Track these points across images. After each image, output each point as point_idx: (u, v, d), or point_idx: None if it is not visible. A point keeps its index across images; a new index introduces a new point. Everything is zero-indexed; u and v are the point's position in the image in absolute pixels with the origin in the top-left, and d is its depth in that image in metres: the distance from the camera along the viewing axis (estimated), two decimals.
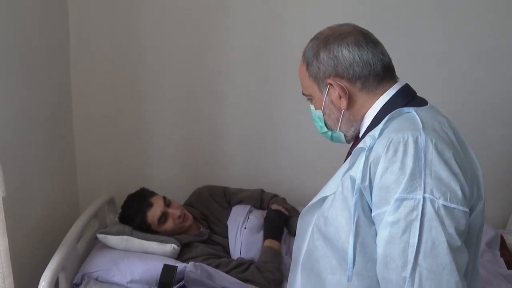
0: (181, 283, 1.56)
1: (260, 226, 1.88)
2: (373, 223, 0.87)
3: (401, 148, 0.83)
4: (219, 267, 1.65)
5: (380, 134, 0.89)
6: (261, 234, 1.85)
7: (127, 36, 2.06)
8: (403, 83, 1.00)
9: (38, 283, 1.39)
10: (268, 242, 1.80)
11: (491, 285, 1.72)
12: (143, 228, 1.78)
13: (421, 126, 0.86)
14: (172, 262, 1.62)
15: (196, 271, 1.55)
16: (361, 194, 0.87)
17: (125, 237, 1.70)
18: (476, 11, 2.05)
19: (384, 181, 0.84)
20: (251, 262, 1.73)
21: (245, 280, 1.62)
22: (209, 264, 1.64)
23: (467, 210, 0.82)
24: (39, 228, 1.75)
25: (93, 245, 1.79)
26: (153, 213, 1.79)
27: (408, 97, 0.97)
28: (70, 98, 2.07)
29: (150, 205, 1.80)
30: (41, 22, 1.75)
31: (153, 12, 2.03)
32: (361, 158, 0.88)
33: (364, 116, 1.00)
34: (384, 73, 0.98)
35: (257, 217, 1.91)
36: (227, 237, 1.87)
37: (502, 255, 1.97)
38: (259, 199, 2.07)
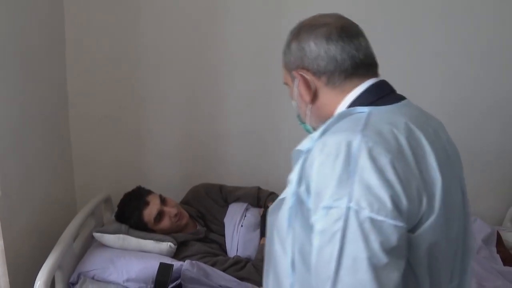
0: (178, 282, 1.56)
1: (257, 224, 1.88)
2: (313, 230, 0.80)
3: (333, 152, 0.76)
4: (215, 265, 1.65)
5: (320, 136, 0.83)
6: (258, 232, 1.85)
7: (124, 35, 2.05)
8: (378, 79, 0.93)
9: (34, 282, 1.38)
10: (264, 240, 1.80)
11: (487, 281, 1.72)
12: (139, 227, 1.78)
13: (360, 128, 0.79)
14: (168, 260, 1.62)
15: (192, 269, 1.55)
16: (299, 200, 0.82)
17: (121, 235, 1.70)
18: (476, 9, 2.05)
19: (316, 187, 0.77)
20: (247, 260, 1.73)
21: (242, 278, 1.62)
22: (205, 262, 1.64)
23: (400, 224, 0.72)
24: (35, 226, 1.75)
25: (89, 244, 1.79)
26: (150, 212, 1.78)
27: (377, 95, 0.89)
28: (66, 98, 2.07)
29: (147, 203, 1.80)
30: (37, 21, 1.75)
31: (152, 10, 2.03)
32: (299, 161, 0.83)
33: (333, 114, 0.92)
34: (354, 69, 0.90)
35: (254, 215, 1.91)
36: (223, 235, 1.87)
37: (498, 252, 1.98)
38: (256, 197, 2.06)
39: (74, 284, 1.58)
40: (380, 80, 0.93)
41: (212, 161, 2.26)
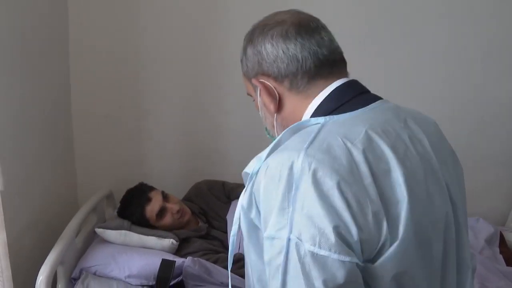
0: (179, 278, 1.56)
1: None
2: None
3: (276, 175, 0.68)
4: (217, 262, 1.65)
5: (268, 155, 0.74)
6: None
7: (126, 34, 2.04)
8: (345, 81, 0.82)
9: (36, 277, 1.38)
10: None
11: (490, 282, 1.72)
12: (141, 223, 1.78)
13: (306, 145, 0.69)
14: (170, 257, 1.62)
15: (194, 266, 1.55)
16: (253, 226, 0.74)
17: (123, 231, 1.70)
18: (477, 9, 2.03)
19: (263, 213, 0.70)
20: None
21: (244, 276, 1.61)
22: (207, 259, 1.64)
23: (347, 258, 0.63)
24: (38, 222, 1.75)
25: (91, 240, 1.79)
26: (152, 208, 1.78)
27: (339, 101, 0.79)
28: (69, 94, 2.07)
29: (149, 199, 1.80)
30: (40, 19, 1.74)
31: (153, 10, 2.02)
32: (248, 185, 0.75)
33: None
34: (318, 68, 0.80)
35: None
36: (226, 232, 1.87)
37: (501, 252, 1.97)
38: None
39: (76, 279, 1.59)
40: (348, 81, 0.83)
41: (214, 158, 2.26)
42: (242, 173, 0.80)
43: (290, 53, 0.80)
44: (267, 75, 0.83)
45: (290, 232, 0.65)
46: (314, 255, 0.63)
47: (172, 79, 2.13)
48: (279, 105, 0.84)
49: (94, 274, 1.59)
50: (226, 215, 1.92)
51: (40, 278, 1.38)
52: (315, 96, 0.81)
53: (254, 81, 0.85)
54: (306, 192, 0.65)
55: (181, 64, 2.10)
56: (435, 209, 0.75)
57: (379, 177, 0.69)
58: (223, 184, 2.09)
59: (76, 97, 2.09)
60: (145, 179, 1.96)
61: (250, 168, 0.78)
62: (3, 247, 1.34)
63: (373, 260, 0.68)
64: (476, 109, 2.17)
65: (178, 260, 1.57)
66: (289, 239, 0.65)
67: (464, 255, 0.83)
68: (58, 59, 1.95)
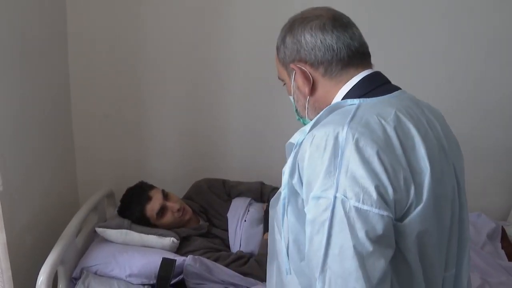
0: (180, 277, 1.56)
1: (260, 219, 1.88)
2: None
3: (322, 144, 0.78)
4: (218, 261, 1.65)
5: (311, 129, 0.85)
6: (261, 227, 1.84)
7: (126, 31, 2.04)
8: (371, 71, 0.94)
9: (37, 277, 1.38)
10: (268, 235, 1.79)
11: (492, 277, 1.71)
12: (142, 222, 1.77)
13: (348, 120, 0.80)
14: (171, 255, 1.62)
15: (195, 264, 1.55)
16: (293, 191, 0.85)
17: (124, 230, 1.70)
18: (478, 7, 2.03)
19: (307, 178, 0.80)
20: (250, 256, 1.73)
21: (245, 274, 1.61)
22: (208, 258, 1.64)
23: (385, 213, 0.74)
24: (38, 221, 1.75)
25: (92, 239, 1.79)
26: (152, 207, 1.78)
27: (369, 87, 0.91)
28: (68, 92, 2.07)
29: (149, 198, 1.80)
30: (39, 17, 1.74)
31: (153, 6, 2.01)
32: (292, 154, 0.86)
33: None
34: (350, 58, 0.92)
35: (257, 210, 1.91)
36: (226, 230, 1.86)
37: (503, 247, 1.97)
38: (259, 192, 2.06)
39: (76, 279, 1.59)
40: (374, 72, 0.94)
41: (214, 156, 2.26)
42: (286, 144, 0.90)
43: (327, 43, 0.91)
44: (304, 61, 0.93)
45: (336, 191, 0.75)
46: (358, 210, 0.74)
47: (173, 78, 2.12)
48: (312, 89, 0.95)
49: (95, 273, 1.59)
50: (226, 213, 1.92)
51: (41, 278, 1.38)
52: (346, 83, 0.92)
53: (292, 65, 0.95)
54: (350, 157, 0.76)
55: (182, 62, 2.10)
56: (446, 183, 0.87)
57: (407, 150, 0.81)
58: (223, 182, 2.08)
59: (76, 97, 2.09)
60: (146, 178, 1.96)
61: (295, 139, 0.87)
62: (3, 247, 1.34)
63: (401, 219, 0.78)
64: (477, 104, 2.17)
65: (179, 259, 1.57)
66: (335, 197, 0.75)
67: (464, 227, 0.95)
68: (57, 59, 1.95)
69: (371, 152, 0.76)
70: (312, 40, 0.91)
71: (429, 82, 2.10)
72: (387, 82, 0.95)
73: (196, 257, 1.58)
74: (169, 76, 2.12)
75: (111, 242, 1.71)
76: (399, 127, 0.82)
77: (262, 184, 2.10)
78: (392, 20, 2.03)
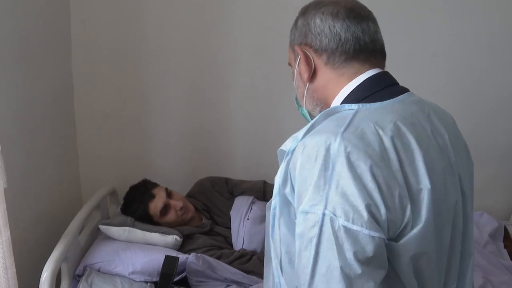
0: (183, 274, 1.56)
1: (263, 217, 1.88)
2: None
3: (313, 155, 0.73)
4: (220, 258, 1.65)
5: (304, 136, 0.79)
6: (263, 225, 1.85)
7: (129, 30, 2.04)
8: (378, 71, 0.88)
9: (41, 274, 1.39)
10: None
11: (494, 276, 1.71)
12: (145, 220, 1.78)
13: (342, 130, 0.74)
14: (174, 253, 1.62)
15: (198, 262, 1.55)
16: (285, 200, 0.80)
17: (127, 228, 1.71)
18: (480, 4, 2.02)
19: (298, 189, 0.75)
20: (253, 253, 1.73)
21: (247, 271, 1.62)
22: (211, 256, 1.64)
23: (376, 234, 0.69)
24: (41, 219, 1.76)
25: (95, 236, 1.80)
26: (155, 205, 1.79)
27: (374, 88, 0.85)
28: (72, 90, 2.07)
29: (152, 196, 1.80)
30: (43, 17, 1.75)
31: (156, 5, 2.02)
32: (284, 162, 0.81)
33: (331, 100, 0.90)
34: (356, 52, 0.86)
35: (260, 208, 1.91)
36: (229, 228, 1.87)
37: (505, 247, 1.97)
38: (261, 191, 2.06)
39: (80, 276, 1.59)
40: (381, 72, 0.88)
41: (217, 154, 2.26)
42: (278, 150, 0.85)
43: (335, 31, 0.86)
44: (309, 45, 0.89)
45: (325, 207, 0.70)
46: (347, 230, 0.69)
47: (176, 76, 2.13)
48: (312, 76, 0.90)
49: (98, 270, 1.59)
50: (229, 211, 1.92)
51: (45, 275, 1.39)
52: (348, 77, 0.87)
53: (296, 47, 0.91)
54: (341, 172, 0.71)
55: (185, 61, 2.10)
56: (448, 198, 0.81)
57: (405, 164, 0.75)
58: (226, 180, 2.09)
59: (79, 95, 2.09)
60: (149, 175, 1.96)
61: (286, 146, 0.83)
62: (8, 244, 1.34)
63: (396, 239, 0.74)
64: (480, 104, 2.16)
65: (182, 257, 1.58)
66: (323, 214, 0.70)
67: (468, 242, 0.90)
68: (60, 59, 1.96)
69: (364, 168, 0.71)
70: (321, 24, 0.87)
71: (429, 82, 2.09)
72: (394, 83, 0.89)
73: (199, 254, 1.59)
74: (171, 75, 2.12)
75: (114, 239, 1.71)
76: (398, 139, 0.76)
77: (265, 183, 2.10)
78: (391, 19, 2.02)
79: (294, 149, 0.79)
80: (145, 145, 2.23)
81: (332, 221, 0.70)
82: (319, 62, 0.89)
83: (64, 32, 1.97)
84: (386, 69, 0.92)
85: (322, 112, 0.83)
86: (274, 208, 0.82)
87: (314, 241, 0.71)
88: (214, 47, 2.08)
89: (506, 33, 2.06)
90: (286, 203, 0.80)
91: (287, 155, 0.80)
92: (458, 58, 2.09)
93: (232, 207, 1.93)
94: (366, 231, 0.69)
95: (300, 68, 0.91)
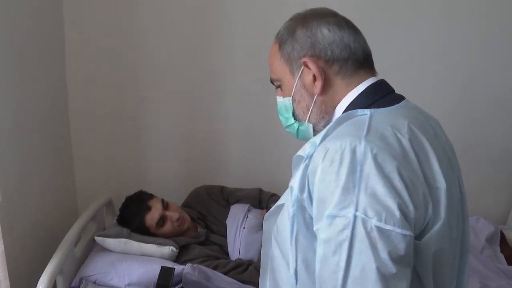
0: (179, 286, 1.56)
1: (259, 225, 1.87)
2: (316, 238, 0.78)
3: (337, 158, 0.73)
4: (217, 269, 1.64)
5: (321, 141, 0.79)
6: (260, 234, 1.84)
7: (123, 34, 2.05)
8: (378, 78, 0.90)
9: (36, 286, 1.38)
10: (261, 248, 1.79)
11: (491, 280, 1.71)
12: (141, 231, 1.77)
13: (364, 133, 0.76)
14: (170, 264, 1.62)
15: (193, 272, 1.54)
16: (301, 206, 0.79)
17: (123, 239, 1.70)
18: (475, 5, 2.04)
19: (320, 194, 0.75)
20: (249, 263, 1.72)
21: (244, 281, 1.61)
22: (207, 266, 1.63)
23: (407, 232, 0.71)
24: (36, 231, 1.75)
25: (91, 248, 1.79)
26: (152, 217, 1.78)
27: (377, 95, 0.87)
28: (66, 100, 2.07)
29: (149, 208, 1.79)
30: (36, 20, 1.75)
31: (151, 9, 2.02)
32: (301, 167, 0.80)
33: (334, 110, 0.90)
34: (364, 60, 0.89)
35: (256, 217, 1.91)
36: (225, 236, 1.86)
37: (502, 251, 1.97)
38: (257, 199, 2.06)
39: None
40: (380, 80, 0.90)
41: (213, 163, 2.26)
42: (294, 156, 0.85)
43: (345, 41, 0.87)
44: (317, 57, 0.88)
45: (356, 209, 0.71)
46: (380, 230, 0.70)
47: (171, 85, 2.13)
48: (322, 87, 0.89)
49: (94, 282, 1.58)
50: (225, 219, 1.92)
51: (40, 287, 1.37)
52: (355, 86, 0.88)
53: (306, 59, 0.88)
54: (369, 173, 0.72)
55: (180, 69, 2.11)
56: (454, 196, 0.84)
57: (423, 164, 0.78)
58: (222, 188, 2.09)
59: (74, 106, 2.10)
60: (144, 185, 1.96)
61: (304, 151, 0.82)
62: (1, 256, 1.33)
63: (419, 237, 0.75)
64: (475, 108, 2.17)
65: (178, 267, 1.57)
66: (355, 216, 0.71)
67: (466, 240, 0.93)
68: (55, 67, 1.96)
69: (391, 168, 0.73)
70: (329, 35, 0.87)
71: (425, 84, 2.10)
72: (392, 91, 0.91)
73: (195, 265, 1.58)
74: (168, 82, 2.13)
75: (110, 251, 1.70)
76: (413, 140, 0.79)
77: (260, 190, 2.10)
78: (387, 21, 2.04)
79: (312, 154, 0.79)
80: (142, 155, 2.23)
81: (364, 223, 0.70)
82: (329, 72, 0.88)
83: (58, 36, 1.96)
84: (381, 72, 0.94)
85: (336, 119, 0.84)
86: (293, 216, 0.80)
87: (346, 245, 0.71)
88: (210, 55, 2.09)
89: (502, 36, 2.08)
90: (301, 210, 0.80)
91: (305, 160, 0.80)
92: (453, 60, 2.10)
93: (228, 216, 1.93)
94: (399, 230, 0.70)
95: (306, 81, 0.90)
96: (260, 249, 1.76)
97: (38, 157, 1.78)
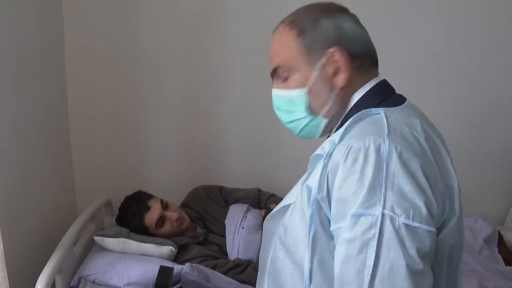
0: (178, 285, 1.56)
1: (258, 225, 1.88)
2: (332, 238, 0.78)
3: (361, 157, 0.73)
4: (215, 268, 1.65)
5: (341, 139, 0.79)
6: (259, 234, 1.84)
7: (123, 36, 2.05)
8: (381, 79, 0.90)
9: (35, 286, 1.38)
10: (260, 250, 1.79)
11: (489, 281, 1.72)
12: (140, 231, 1.77)
13: (386, 132, 0.76)
14: (168, 264, 1.62)
15: (192, 272, 1.54)
16: (318, 206, 0.78)
17: (122, 239, 1.70)
18: (475, 7, 2.05)
19: (342, 193, 0.74)
20: (248, 263, 1.73)
21: (243, 282, 1.61)
22: (205, 266, 1.64)
23: (432, 229, 0.72)
24: (36, 231, 1.75)
25: (90, 248, 1.79)
26: (151, 217, 1.78)
27: (382, 95, 0.86)
28: (66, 101, 2.07)
29: (148, 208, 1.80)
30: (36, 23, 1.75)
31: (150, 11, 2.03)
32: (319, 166, 0.79)
33: (345, 105, 0.89)
34: (375, 59, 0.91)
35: (255, 217, 1.91)
36: (223, 236, 1.87)
37: (500, 252, 1.97)
38: (256, 199, 2.06)
39: None
40: (383, 80, 0.90)
41: (212, 163, 2.26)
42: (312, 156, 0.84)
43: (366, 38, 0.89)
44: (343, 48, 0.85)
45: (383, 207, 0.71)
46: (407, 227, 0.70)
47: (171, 86, 2.13)
48: (346, 81, 0.87)
49: (93, 282, 1.59)
50: (224, 219, 1.92)
51: (38, 287, 1.37)
52: (365, 83, 0.88)
53: (333, 49, 0.85)
54: (395, 171, 0.72)
55: (180, 71, 2.11)
56: (456, 194, 0.85)
57: (438, 162, 0.80)
58: (220, 188, 2.09)
59: (73, 106, 2.10)
60: (144, 185, 1.96)
61: (324, 150, 0.81)
62: (1, 256, 1.34)
63: (437, 233, 0.75)
64: (474, 109, 2.18)
65: (177, 267, 1.57)
66: (383, 214, 0.71)
67: (462, 238, 0.92)
68: (54, 68, 1.96)
69: (415, 166, 0.73)
70: (353, 29, 0.87)
71: (425, 86, 2.11)
72: (394, 91, 0.91)
73: (194, 265, 1.58)
74: (167, 83, 2.13)
75: (109, 250, 1.71)
76: (428, 139, 0.80)
77: (259, 191, 2.10)
78: (386, 21, 2.04)
79: (332, 153, 0.78)
80: (141, 155, 2.23)
81: (392, 220, 0.70)
82: (351, 66, 0.86)
83: (58, 39, 1.97)
84: (383, 71, 0.93)
85: (353, 117, 0.82)
86: (312, 216, 0.79)
87: (373, 243, 0.71)
88: (210, 56, 2.09)
89: (502, 37, 2.08)
90: (318, 210, 0.79)
91: (324, 159, 0.79)
92: (454, 63, 2.11)
93: (227, 216, 1.93)
94: (425, 227, 0.71)
95: (328, 71, 0.86)
96: (259, 250, 1.77)
97: (37, 157, 1.78)
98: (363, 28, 0.90)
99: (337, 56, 0.85)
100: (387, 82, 0.91)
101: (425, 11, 2.05)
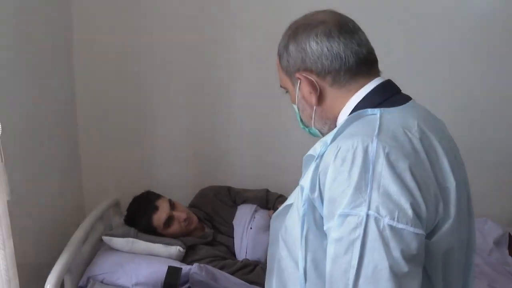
0: (186, 285, 1.56)
1: (266, 226, 1.87)
2: (326, 238, 0.78)
3: (349, 157, 0.74)
4: (224, 269, 1.65)
5: (333, 140, 0.80)
6: (267, 234, 1.83)
7: (131, 35, 2.06)
8: (384, 79, 0.90)
9: (44, 285, 1.39)
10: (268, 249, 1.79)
11: (499, 283, 1.70)
12: (148, 231, 1.78)
13: (375, 132, 0.76)
14: (177, 264, 1.62)
15: (201, 272, 1.54)
16: (311, 206, 0.79)
17: (130, 239, 1.70)
18: (479, 6, 2.03)
19: (331, 193, 0.75)
20: (256, 264, 1.72)
21: (251, 282, 1.61)
22: (214, 266, 1.63)
23: (420, 231, 0.71)
24: (45, 231, 1.76)
25: (98, 248, 1.79)
26: (159, 217, 1.79)
27: (384, 95, 0.86)
28: (74, 102, 2.08)
29: (156, 208, 1.80)
30: (44, 21, 1.76)
31: (157, 10, 2.04)
32: (311, 166, 0.80)
33: (338, 114, 0.90)
34: (359, 66, 0.87)
35: (263, 217, 1.91)
36: (232, 237, 1.87)
37: (510, 254, 1.95)
38: (264, 199, 2.06)
39: (83, 287, 1.59)
40: (386, 80, 0.90)
41: (220, 163, 2.26)
42: (305, 156, 0.85)
43: (334, 51, 0.86)
44: (310, 70, 0.88)
45: (369, 208, 0.71)
46: (392, 228, 0.70)
47: (177, 85, 2.14)
48: (319, 99, 0.90)
49: (102, 282, 1.59)
50: (232, 220, 1.92)
51: (47, 286, 1.38)
52: (356, 91, 0.87)
53: (297, 75, 0.90)
54: (382, 172, 0.72)
55: (187, 70, 2.11)
56: (462, 196, 0.84)
57: (433, 164, 0.78)
58: (229, 189, 2.09)
59: (82, 107, 2.11)
60: (151, 185, 1.97)
61: (315, 150, 0.82)
62: (10, 256, 1.34)
63: (429, 236, 0.75)
64: (482, 110, 2.17)
65: (185, 267, 1.57)
66: (367, 215, 0.71)
67: (473, 239, 0.92)
68: (63, 69, 1.97)
69: (403, 167, 0.73)
70: (318, 48, 0.86)
71: (429, 86, 2.09)
72: (399, 91, 0.90)
73: (202, 265, 1.58)
74: (173, 84, 2.13)
75: (118, 250, 1.71)
76: (424, 139, 0.79)
77: (267, 191, 2.10)
78: (389, 21, 2.04)
79: (323, 154, 0.79)
80: (149, 155, 2.24)
81: (377, 221, 0.70)
82: (324, 84, 0.88)
83: (66, 38, 1.97)
84: (386, 73, 0.93)
85: (347, 118, 0.84)
86: (304, 215, 0.80)
87: (358, 243, 0.71)
88: (217, 56, 2.10)
89: (505, 38, 2.07)
90: (312, 209, 0.80)
91: (316, 159, 0.80)
92: (457, 63, 2.10)
93: (235, 216, 1.93)
94: (411, 229, 0.70)
95: (304, 93, 0.91)
96: (267, 250, 1.77)
97: (46, 157, 1.79)
98: (338, 38, 0.86)
99: (303, 80, 0.89)
100: (391, 82, 0.91)
101: (426, 11, 2.04)
